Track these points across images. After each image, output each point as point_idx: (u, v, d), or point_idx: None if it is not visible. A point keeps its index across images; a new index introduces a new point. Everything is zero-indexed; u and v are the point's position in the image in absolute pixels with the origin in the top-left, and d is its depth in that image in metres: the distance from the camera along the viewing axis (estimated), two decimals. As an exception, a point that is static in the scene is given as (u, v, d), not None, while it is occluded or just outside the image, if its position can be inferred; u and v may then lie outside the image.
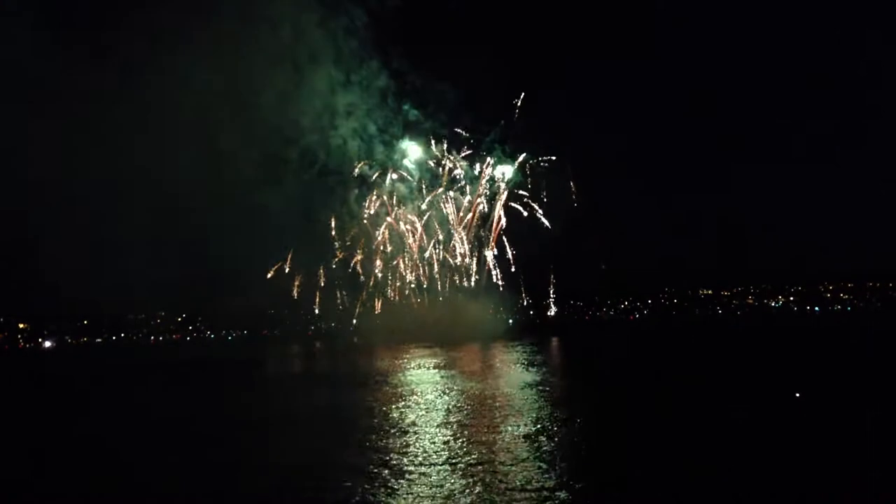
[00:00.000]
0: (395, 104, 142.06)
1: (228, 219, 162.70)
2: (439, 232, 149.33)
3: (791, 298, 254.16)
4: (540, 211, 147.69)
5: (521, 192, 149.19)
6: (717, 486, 23.01)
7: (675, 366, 64.96)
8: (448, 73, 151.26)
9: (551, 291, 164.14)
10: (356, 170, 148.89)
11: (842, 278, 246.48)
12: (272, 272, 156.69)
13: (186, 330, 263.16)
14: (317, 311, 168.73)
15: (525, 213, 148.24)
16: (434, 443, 30.91)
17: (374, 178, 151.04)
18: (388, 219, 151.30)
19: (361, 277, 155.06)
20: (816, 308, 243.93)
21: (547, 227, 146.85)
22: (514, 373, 62.17)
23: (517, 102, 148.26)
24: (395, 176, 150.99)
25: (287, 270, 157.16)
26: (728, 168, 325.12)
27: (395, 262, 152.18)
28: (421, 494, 23.17)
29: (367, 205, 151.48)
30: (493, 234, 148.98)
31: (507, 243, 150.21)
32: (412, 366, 76.25)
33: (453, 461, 27.27)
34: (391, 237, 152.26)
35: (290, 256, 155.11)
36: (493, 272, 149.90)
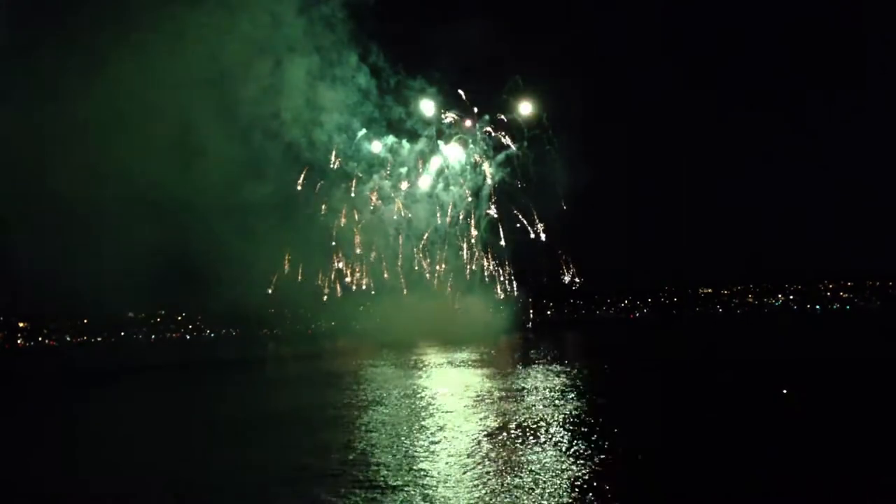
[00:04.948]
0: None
1: (228, 219, 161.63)
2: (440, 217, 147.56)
3: (791, 297, 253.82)
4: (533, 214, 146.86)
5: (513, 181, 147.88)
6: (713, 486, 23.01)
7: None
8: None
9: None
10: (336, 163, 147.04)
11: (842, 277, 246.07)
12: (275, 278, 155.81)
13: (186, 329, 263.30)
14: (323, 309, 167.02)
15: (517, 209, 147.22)
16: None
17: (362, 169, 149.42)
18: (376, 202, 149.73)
19: (358, 278, 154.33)
20: (817, 307, 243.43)
21: (541, 223, 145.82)
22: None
23: (515, 82, 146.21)
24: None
25: (287, 269, 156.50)
26: (729, 165, 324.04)
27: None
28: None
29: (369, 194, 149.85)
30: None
31: (502, 237, 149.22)
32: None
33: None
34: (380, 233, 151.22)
35: (287, 257, 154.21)
36: (488, 268, 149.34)
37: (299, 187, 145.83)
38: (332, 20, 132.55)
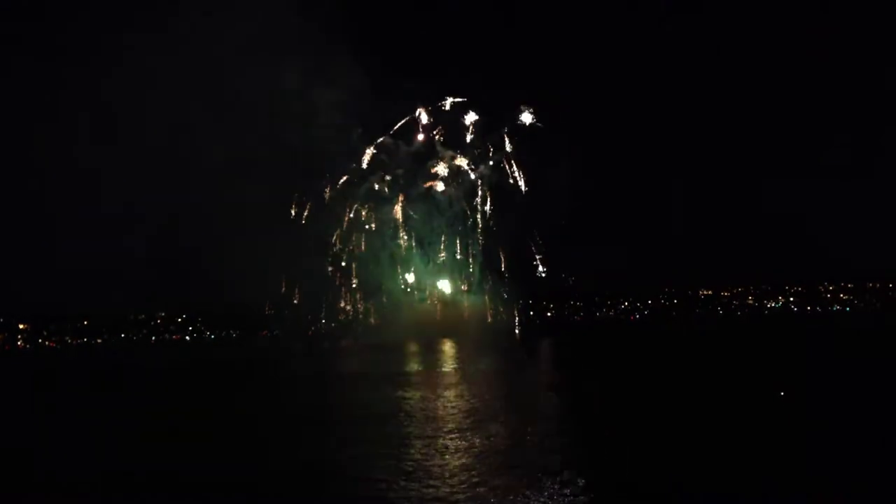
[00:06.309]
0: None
1: (228, 220, 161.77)
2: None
3: (791, 299, 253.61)
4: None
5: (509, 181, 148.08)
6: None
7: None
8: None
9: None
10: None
11: (842, 278, 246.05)
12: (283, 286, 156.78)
13: (186, 331, 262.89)
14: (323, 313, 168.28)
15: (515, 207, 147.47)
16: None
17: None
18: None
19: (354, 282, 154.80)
20: (818, 308, 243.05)
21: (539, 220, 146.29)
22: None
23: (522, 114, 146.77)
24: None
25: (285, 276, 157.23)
26: (728, 166, 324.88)
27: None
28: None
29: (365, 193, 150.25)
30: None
31: (498, 242, 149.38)
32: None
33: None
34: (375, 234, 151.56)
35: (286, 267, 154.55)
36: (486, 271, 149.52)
37: (293, 214, 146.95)
38: (327, 22, 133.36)
